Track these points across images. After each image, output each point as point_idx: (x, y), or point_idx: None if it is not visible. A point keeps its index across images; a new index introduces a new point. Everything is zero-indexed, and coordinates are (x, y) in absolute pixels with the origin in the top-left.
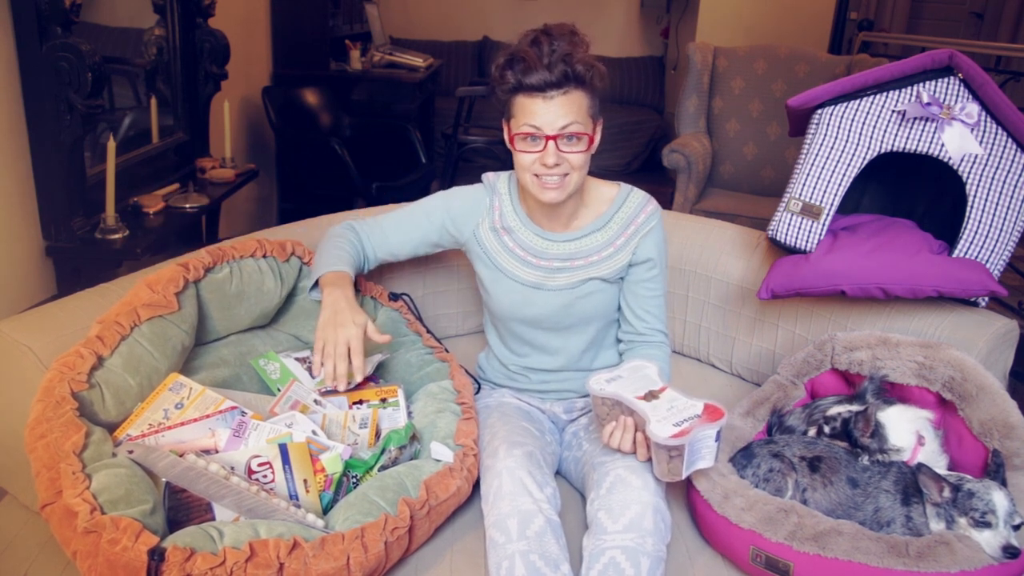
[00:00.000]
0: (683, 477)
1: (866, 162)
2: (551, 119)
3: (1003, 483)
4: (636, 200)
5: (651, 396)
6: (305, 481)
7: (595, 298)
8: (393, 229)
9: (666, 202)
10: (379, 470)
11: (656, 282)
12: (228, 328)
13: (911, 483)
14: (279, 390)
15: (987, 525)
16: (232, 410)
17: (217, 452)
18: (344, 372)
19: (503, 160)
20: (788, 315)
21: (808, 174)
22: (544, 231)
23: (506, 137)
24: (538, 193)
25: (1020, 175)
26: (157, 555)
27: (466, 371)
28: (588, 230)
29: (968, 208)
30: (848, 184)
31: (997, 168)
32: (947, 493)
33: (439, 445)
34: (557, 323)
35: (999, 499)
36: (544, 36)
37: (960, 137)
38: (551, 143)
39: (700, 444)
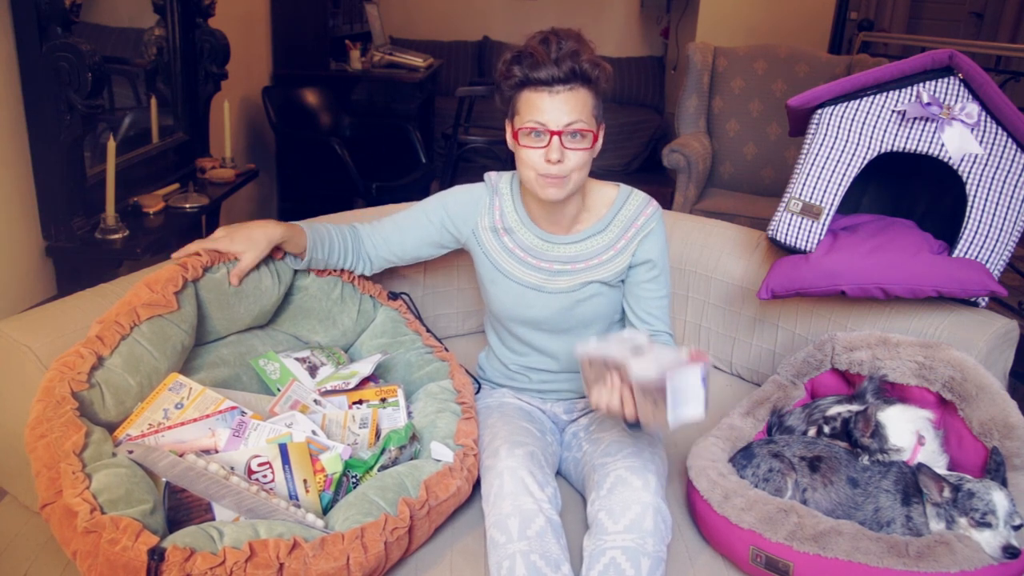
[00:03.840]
0: (670, 425)
1: (866, 162)
2: (556, 115)
3: (1003, 483)
4: (636, 202)
5: (637, 351)
6: (305, 481)
7: (596, 301)
8: (393, 230)
9: (666, 202)
10: (379, 470)
11: (657, 283)
12: (228, 328)
13: (911, 483)
14: (279, 390)
15: (987, 525)
16: (232, 410)
17: (217, 452)
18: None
19: (503, 160)
20: (788, 315)
21: (808, 174)
22: (545, 233)
23: (508, 136)
24: (539, 190)
25: (1020, 175)
26: (157, 555)
27: (466, 371)
28: (588, 233)
29: (968, 208)
30: (848, 184)
31: (997, 168)
32: (947, 493)
33: (439, 445)
34: (556, 325)
35: (999, 499)
36: (553, 36)
37: (960, 137)
38: (555, 139)
39: (684, 386)
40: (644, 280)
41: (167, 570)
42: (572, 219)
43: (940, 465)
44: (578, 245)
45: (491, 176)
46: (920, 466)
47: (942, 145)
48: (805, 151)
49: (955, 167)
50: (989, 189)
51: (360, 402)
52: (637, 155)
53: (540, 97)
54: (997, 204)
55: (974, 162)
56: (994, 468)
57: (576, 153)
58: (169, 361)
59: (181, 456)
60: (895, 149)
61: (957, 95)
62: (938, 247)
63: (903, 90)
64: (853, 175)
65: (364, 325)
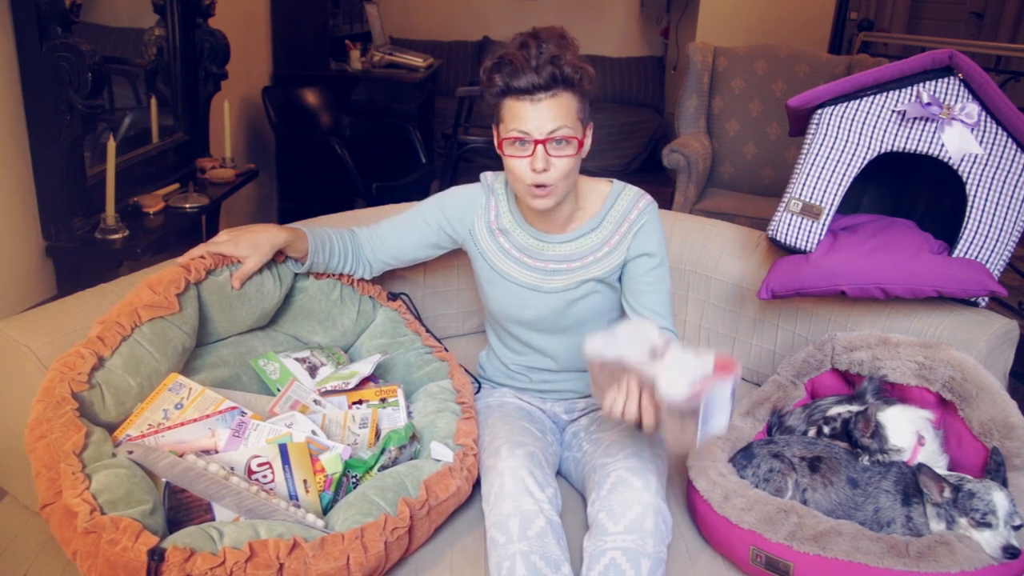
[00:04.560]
0: (697, 445)
1: (866, 162)
2: (539, 123)
3: (1003, 483)
4: (628, 197)
5: (656, 355)
6: (305, 481)
7: (592, 300)
8: (391, 233)
9: (666, 202)
10: (379, 470)
11: (654, 276)
12: (229, 330)
13: (911, 483)
14: (279, 390)
15: (987, 525)
16: (232, 410)
17: (217, 452)
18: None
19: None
20: (788, 315)
21: (808, 174)
22: (540, 233)
23: (495, 142)
24: (529, 200)
25: (1020, 175)
26: (157, 555)
27: (466, 370)
28: (583, 231)
29: (968, 208)
30: (848, 184)
31: (997, 168)
32: (947, 493)
33: (439, 445)
34: (554, 325)
35: (999, 499)
36: (532, 39)
37: (960, 137)
38: (540, 147)
39: (715, 403)
40: (641, 273)
41: (167, 570)
42: (567, 218)
43: (940, 465)
44: (573, 244)
45: (487, 176)
46: (920, 466)
47: (942, 145)
48: (805, 151)
49: (955, 167)
50: (989, 189)
51: (360, 402)
52: (637, 155)
53: (523, 106)
54: (997, 204)
55: (974, 162)
56: (994, 468)
57: (561, 160)
58: (170, 362)
59: (181, 456)
60: (895, 149)
61: (957, 95)
62: (938, 247)
63: (903, 90)
64: (853, 175)
65: (364, 325)
